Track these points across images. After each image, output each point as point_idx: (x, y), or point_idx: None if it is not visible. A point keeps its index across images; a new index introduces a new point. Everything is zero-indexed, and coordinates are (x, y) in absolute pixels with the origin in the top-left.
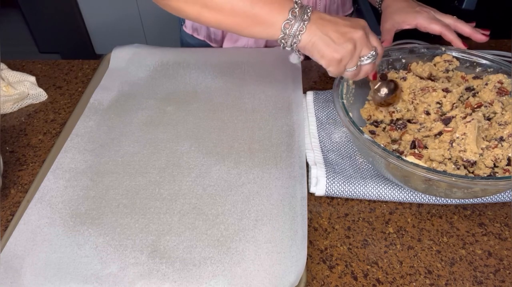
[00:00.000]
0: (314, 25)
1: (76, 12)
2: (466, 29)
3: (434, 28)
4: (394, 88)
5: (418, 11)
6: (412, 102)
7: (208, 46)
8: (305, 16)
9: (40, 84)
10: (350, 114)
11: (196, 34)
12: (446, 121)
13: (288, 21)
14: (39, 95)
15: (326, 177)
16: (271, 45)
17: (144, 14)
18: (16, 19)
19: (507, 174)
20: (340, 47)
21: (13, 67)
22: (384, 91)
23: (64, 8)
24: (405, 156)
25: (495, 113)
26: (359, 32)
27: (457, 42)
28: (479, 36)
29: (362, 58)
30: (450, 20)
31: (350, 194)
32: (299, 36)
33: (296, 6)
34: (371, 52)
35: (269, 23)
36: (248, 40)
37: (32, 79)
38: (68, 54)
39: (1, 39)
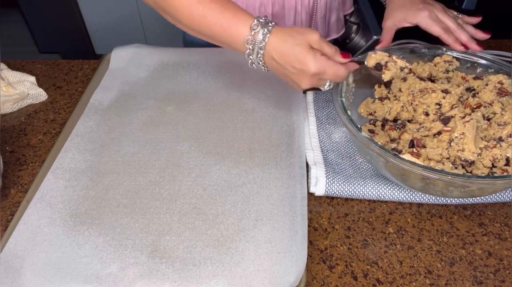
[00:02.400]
0: (267, 62)
1: (76, 12)
2: (463, 37)
3: (434, 30)
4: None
5: (421, 8)
6: (411, 103)
7: (214, 45)
8: (260, 53)
9: (40, 84)
10: (349, 112)
11: None
12: (445, 120)
13: (246, 55)
14: (39, 95)
15: (326, 177)
16: None
17: (144, 14)
18: (16, 19)
19: (504, 174)
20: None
21: (13, 67)
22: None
23: (64, 8)
24: (403, 154)
25: (494, 113)
26: (305, 82)
27: (455, 46)
28: (474, 46)
29: (321, 88)
30: (451, 23)
31: (350, 194)
32: (260, 65)
33: (249, 43)
34: (327, 84)
35: (230, 43)
36: None
37: (32, 79)
38: (68, 54)
39: (1, 39)
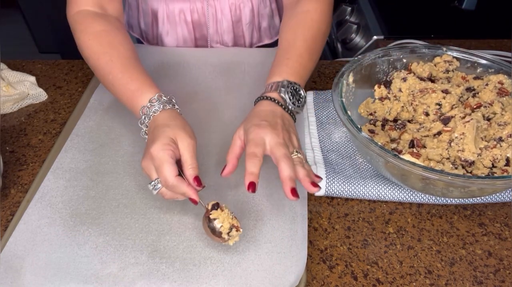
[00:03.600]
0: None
1: None
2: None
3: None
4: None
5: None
6: (411, 103)
7: (142, 43)
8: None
9: (40, 84)
10: (349, 112)
11: (131, 31)
12: (445, 120)
13: (140, 123)
14: (39, 95)
15: (326, 177)
16: (202, 44)
17: None
18: (16, 19)
19: (505, 175)
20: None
21: (13, 67)
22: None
23: (64, 8)
24: (403, 155)
25: (494, 113)
26: (144, 163)
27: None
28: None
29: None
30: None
31: (350, 194)
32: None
33: (144, 112)
34: (152, 182)
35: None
36: (177, 40)
37: (32, 79)
38: (68, 54)
39: (1, 39)
